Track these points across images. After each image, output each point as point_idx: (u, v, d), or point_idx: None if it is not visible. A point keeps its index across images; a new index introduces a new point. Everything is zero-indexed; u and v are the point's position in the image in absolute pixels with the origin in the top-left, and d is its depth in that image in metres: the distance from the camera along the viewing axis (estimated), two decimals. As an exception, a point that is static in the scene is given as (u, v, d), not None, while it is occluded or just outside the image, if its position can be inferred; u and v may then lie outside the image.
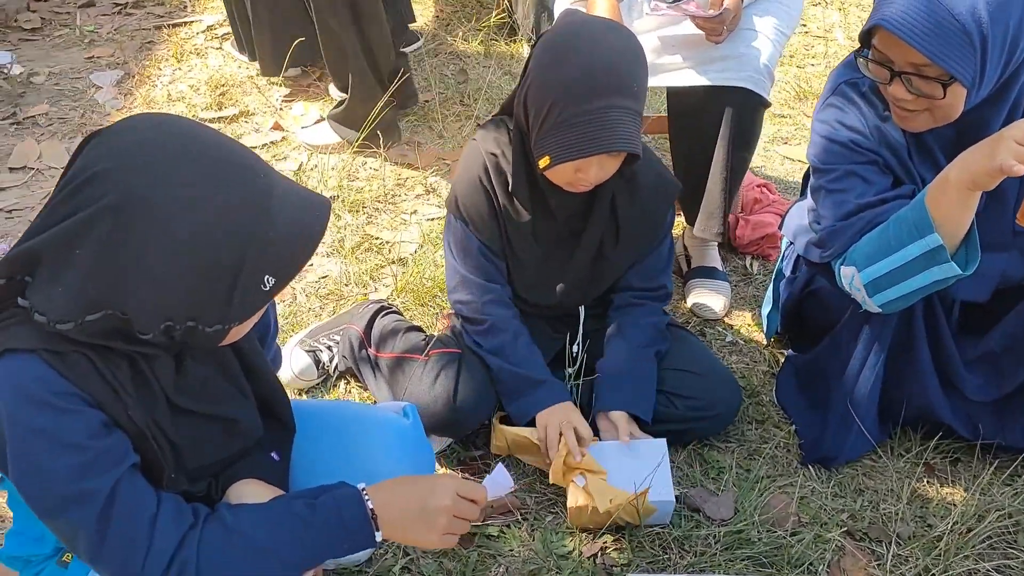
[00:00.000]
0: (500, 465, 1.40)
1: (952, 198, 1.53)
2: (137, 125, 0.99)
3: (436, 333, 2.04)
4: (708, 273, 2.43)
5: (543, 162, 1.65)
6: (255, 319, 1.10)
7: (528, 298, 1.96)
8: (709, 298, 2.38)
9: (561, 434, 1.76)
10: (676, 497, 1.85)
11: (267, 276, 1.02)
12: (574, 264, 1.90)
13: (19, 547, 1.26)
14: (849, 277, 1.71)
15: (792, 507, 1.83)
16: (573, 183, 1.70)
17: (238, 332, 1.09)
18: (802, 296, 1.98)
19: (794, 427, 2.03)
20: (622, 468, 1.75)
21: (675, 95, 2.27)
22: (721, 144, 2.16)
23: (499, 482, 1.31)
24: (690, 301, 2.41)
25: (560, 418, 1.79)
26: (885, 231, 1.64)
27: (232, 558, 1.09)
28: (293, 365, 2.07)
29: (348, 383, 2.12)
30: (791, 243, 2.02)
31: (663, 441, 1.81)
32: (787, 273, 2.09)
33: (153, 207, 0.95)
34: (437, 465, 1.90)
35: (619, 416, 1.84)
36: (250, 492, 1.23)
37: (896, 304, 1.69)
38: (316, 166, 2.90)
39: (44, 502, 1.03)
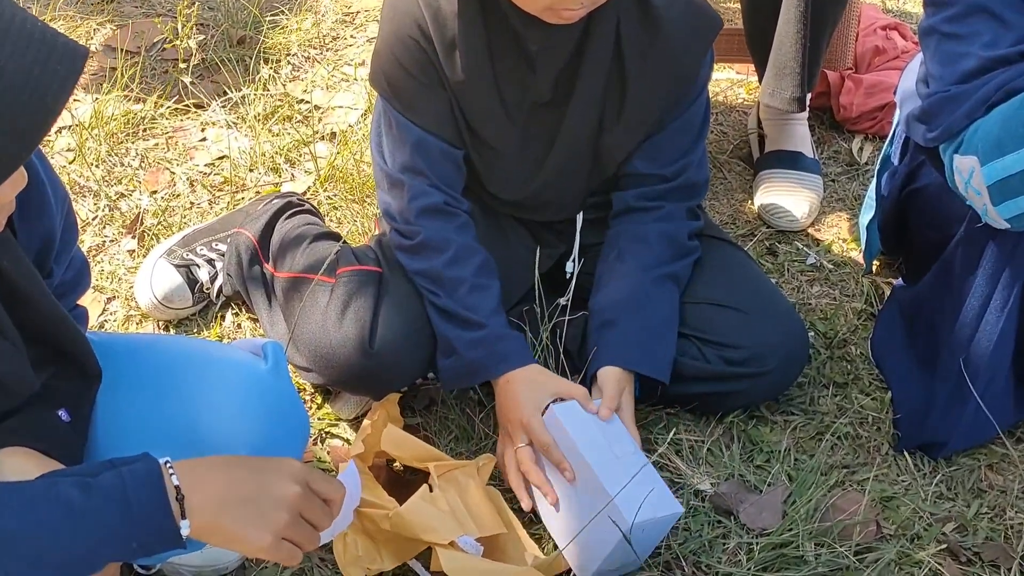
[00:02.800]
0: (352, 463, 1.41)
1: None
2: None
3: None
4: (789, 160, 2.39)
5: None
6: None
7: (504, 196, 1.95)
8: (786, 198, 2.34)
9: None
10: (701, 494, 1.86)
11: None
12: (564, 141, 1.87)
13: None
14: (967, 172, 1.66)
15: (870, 512, 1.82)
16: (555, 9, 1.65)
17: None
18: (902, 197, 1.93)
19: (890, 395, 2.00)
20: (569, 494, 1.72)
21: None
22: (797, -39, 2.10)
23: (351, 487, 1.32)
24: (758, 201, 2.38)
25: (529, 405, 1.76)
26: None
27: (-34, 556, 1.12)
28: (155, 285, 2.10)
29: (237, 313, 2.15)
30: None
31: (654, 474, 1.71)
32: (895, 161, 2.04)
33: None
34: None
35: (610, 377, 1.82)
36: (11, 466, 1.24)
37: None
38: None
39: None
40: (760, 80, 2.36)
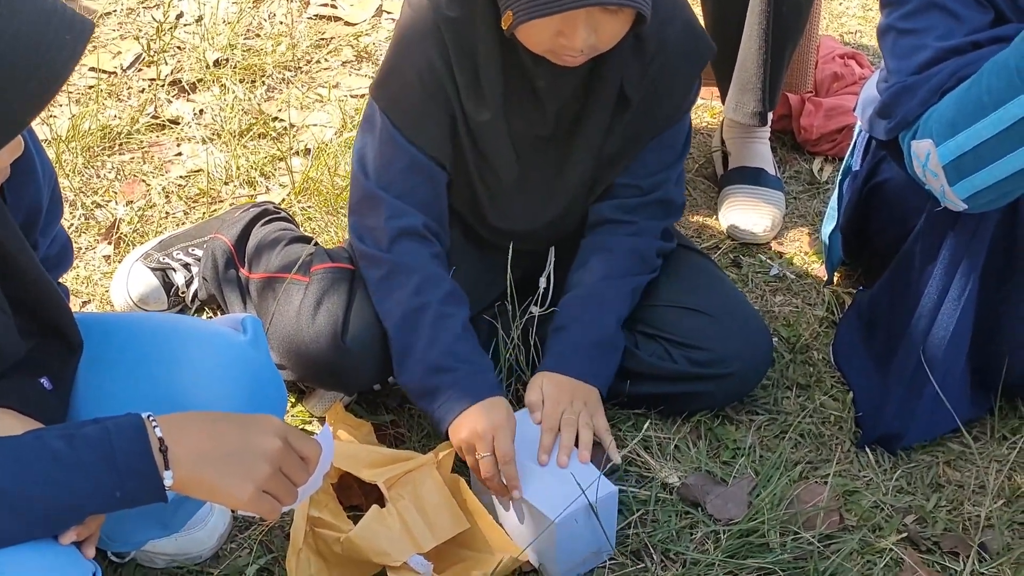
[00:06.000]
0: (327, 427, 1.43)
1: None
2: None
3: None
4: (752, 177, 2.45)
5: (505, 20, 1.66)
6: None
7: (503, 227, 1.96)
8: (749, 214, 2.40)
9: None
10: (669, 487, 1.89)
11: None
12: (569, 178, 1.91)
13: None
14: (923, 155, 1.71)
15: (833, 503, 1.85)
16: (556, 52, 1.70)
17: None
18: (864, 195, 1.98)
19: (851, 396, 2.05)
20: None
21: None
22: (760, -20, 2.17)
23: (325, 449, 1.34)
24: (722, 215, 2.43)
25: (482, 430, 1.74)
26: (976, 84, 1.64)
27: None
28: (131, 287, 2.13)
29: (212, 316, 2.17)
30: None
31: (614, 490, 1.74)
32: (855, 167, 2.10)
33: None
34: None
35: (549, 382, 1.85)
36: (-6, 425, 1.28)
37: (989, 197, 1.69)
38: (201, 16, 2.95)
39: None
40: (723, 102, 2.42)
